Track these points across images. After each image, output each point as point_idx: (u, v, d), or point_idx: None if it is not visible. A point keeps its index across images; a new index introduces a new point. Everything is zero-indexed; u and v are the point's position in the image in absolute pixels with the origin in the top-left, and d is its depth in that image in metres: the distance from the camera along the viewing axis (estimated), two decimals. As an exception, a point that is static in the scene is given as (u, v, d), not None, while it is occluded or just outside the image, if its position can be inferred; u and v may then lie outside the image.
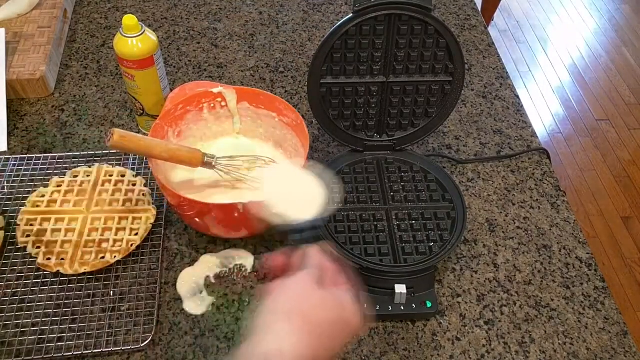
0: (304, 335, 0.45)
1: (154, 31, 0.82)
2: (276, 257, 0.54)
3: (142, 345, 0.65)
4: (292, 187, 0.55)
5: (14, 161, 0.83)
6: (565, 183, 2.08)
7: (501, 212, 0.82)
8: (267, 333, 0.45)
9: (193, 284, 0.71)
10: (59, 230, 0.72)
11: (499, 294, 0.72)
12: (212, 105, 0.80)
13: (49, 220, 0.73)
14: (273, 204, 0.51)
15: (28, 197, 0.76)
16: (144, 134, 0.88)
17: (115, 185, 0.78)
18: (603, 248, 1.89)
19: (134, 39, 0.77)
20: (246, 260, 0.74)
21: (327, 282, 0.49)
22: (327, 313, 0.47)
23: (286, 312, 0.46)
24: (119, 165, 0.82)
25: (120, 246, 0.71)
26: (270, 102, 0.78)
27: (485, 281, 0.74)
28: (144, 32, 0.78)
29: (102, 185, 0.77)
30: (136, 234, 0.72)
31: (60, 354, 0.63)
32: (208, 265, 0.73)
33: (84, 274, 0.69)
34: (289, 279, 0.49)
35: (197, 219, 0.69)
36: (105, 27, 1.09)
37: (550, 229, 0.80)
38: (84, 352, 0.64)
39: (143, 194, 0.77)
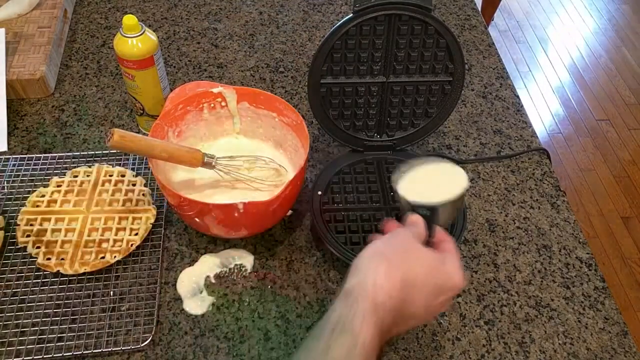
0: (395, 276, 0.47)
1: (154, 31, 0.82)
2: (391, 223, 0.56)
3: (142, 345, 0.65)
4: (434, 178, 0.58)
5: (14, 161, 0.83)
6: (565, 183, 2.08)
7: (501, 212, 0.82)
8: (361, 270, 0.48)
9: (193, 284, 0.71)
10: (59, 230, 0.72)
11: (499, 294, 0.72)
12: (212, 105, 0.80)
13: (49, 220, 0.73)
14: (419, 196, 0.55)
15: (28, 197, 0.76)
16: (144, 134, 0.88)
17: (115, 185, 0.78)
18: (603, 248, 1.89)
19: (134, 39, 0.77)
20: (246, 260, 0.74)
21: (432, 245, 0.52)
22: (423, 268, 0.49)
23: (382, 255, 0.49)
24: (119, 165, 0.82)
25: (120, 246, 0.71)
26: (270, 102, 0.78)
27: (485, 281, 0.74)
28: (144, 32, 0.78)
29: (102, 185, 0.78)
30: (136, 234, 0.72)
31: (60, 354, 0.63)
32: (208, 265, 0.73)
33: (84, 274, 0.69)
34: (391, 232, 0.52)
35: (197, 219, 0.69)
36: (105, 27, 1.09)
37: (550, 229, 0.80)
38: (84, 352, 0.64)
39: (143, 194, 0.77)
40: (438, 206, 0.53)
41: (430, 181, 0.57)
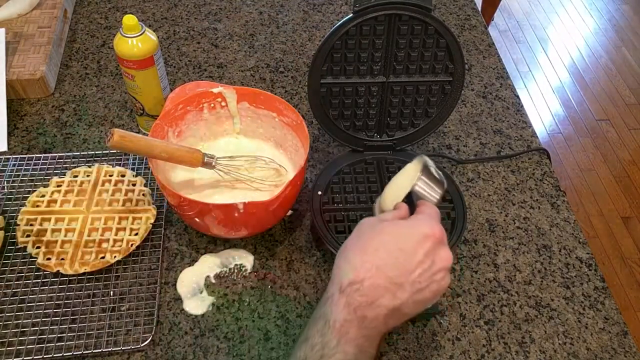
0: (354, 257, 0.51)
1: (154, 31, 0.82)
2: None
3: (142, 345, 0.65)
4: (398, 182, 0.62)
5: (14, 161, 0.83)
6: (565, 183, 2.08)
7: (501, 212, 0.82)
8: (335, 267, 0.52)
9: (193, 284, 0.71)
10: (59, 230, 0.72)
11: (499, 294, 0.72)
12: (212, 105, 0.80)
13: (49, 220, 0.73)
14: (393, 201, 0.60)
15: (28, 197, 0.76)
16: (144, 134, 0.88)
17: (115, 185, 0.78)
18: (603, 248, 1.89)
19: (134, 39, 0.77)
20: (246, 260, 0.74)
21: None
22: (383, 236, 0.52)
23: (343, 250, 0.53)
24: (119, 165, 0.82)
25: (120, 246, 0.71)
26: (270, 102, 0.78)
27: (485, 281, 0.74)
28: (144, 32, 0.78)
29: (102, 185, 0.78)
30: (136, 234, 0.72)
31: (60, 354, 0.63)
32: (208, 265, 0.73)
33: (84, 274, 0.69)
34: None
35: (197, 219, 0.69)
36: (105, 27, 1.09)
37: (550, 229, 0.80)
38: (84, 352, 0.64)
39: (143, 194, 0.77)
40: (409, 193, 0.58)
41: (398, 186, 0.61)
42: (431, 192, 0.58)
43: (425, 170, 0.59)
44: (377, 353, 0.50)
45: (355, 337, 0.48)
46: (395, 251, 0.50)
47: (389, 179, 0.78)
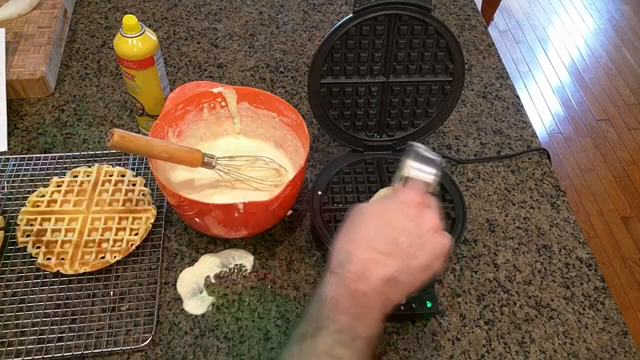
0: (341, 241, 0.51)
1: (154, 31, 0.82)
2: None
3: (142, 345, 0.65)
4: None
5: (14, 161, 0.83)
6: (565, 183, 2.08)
7: (501, 212, 0.82)
8: (332, 255, 0.52)
9: (193, 284, 0.71)
10: (59, 230, 0.72)
11: (499, 294, 0.72)
12: (212, 105, 0.80)
13: (49, 220, 0.73)
14: None
15: (28, 197, 0.76)
16: (144, 134, 0.88)
17: (115, 185, 0.78)
18: (603, 248, 1.89)
19: (134, 39, 0.77)
20: (246, 260, 0.74)
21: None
22: (368, 215, 0.52)
23: (339, 238, 0.52)
24: (119, 165, 0.82)
25: (120, 246, 0.71)
26: (270, 102, 0.78)
27: (485, 281, 0.74)
28: (144, 32, 0.78)
29: (102, 185, 0.78)
30: (136, 234, 0.72)
31: (60, 354, 0.63)
32: (208, 265, 0.73)
33: (84, 274, 0.69)
34: None
35: (197, 219, 0.69)
36: (105, 27, 1.09)
37: (550, 229, 0.80)
38: (84, 352, 0.64)
39: (143, 194, 0.77)
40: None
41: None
42: (423, 174, 0.58)
43: (417, 155, 0.58)
44: (379, 331, 0.51)
45: (348, 307, 0.48)
46: (378, 226, 0.51)
47: (389, 179, 0.79)
